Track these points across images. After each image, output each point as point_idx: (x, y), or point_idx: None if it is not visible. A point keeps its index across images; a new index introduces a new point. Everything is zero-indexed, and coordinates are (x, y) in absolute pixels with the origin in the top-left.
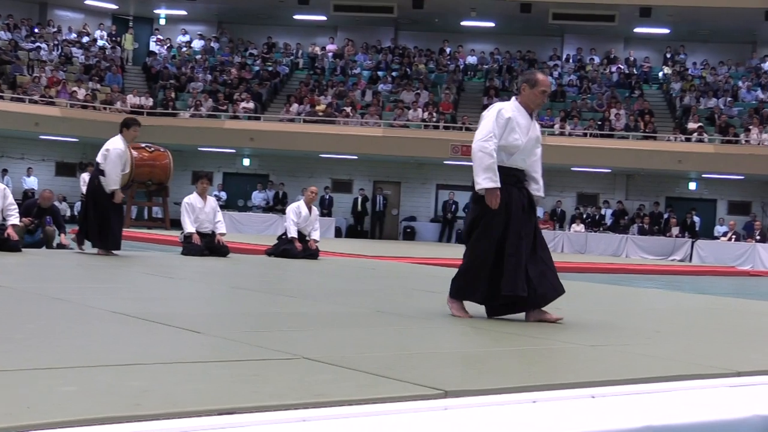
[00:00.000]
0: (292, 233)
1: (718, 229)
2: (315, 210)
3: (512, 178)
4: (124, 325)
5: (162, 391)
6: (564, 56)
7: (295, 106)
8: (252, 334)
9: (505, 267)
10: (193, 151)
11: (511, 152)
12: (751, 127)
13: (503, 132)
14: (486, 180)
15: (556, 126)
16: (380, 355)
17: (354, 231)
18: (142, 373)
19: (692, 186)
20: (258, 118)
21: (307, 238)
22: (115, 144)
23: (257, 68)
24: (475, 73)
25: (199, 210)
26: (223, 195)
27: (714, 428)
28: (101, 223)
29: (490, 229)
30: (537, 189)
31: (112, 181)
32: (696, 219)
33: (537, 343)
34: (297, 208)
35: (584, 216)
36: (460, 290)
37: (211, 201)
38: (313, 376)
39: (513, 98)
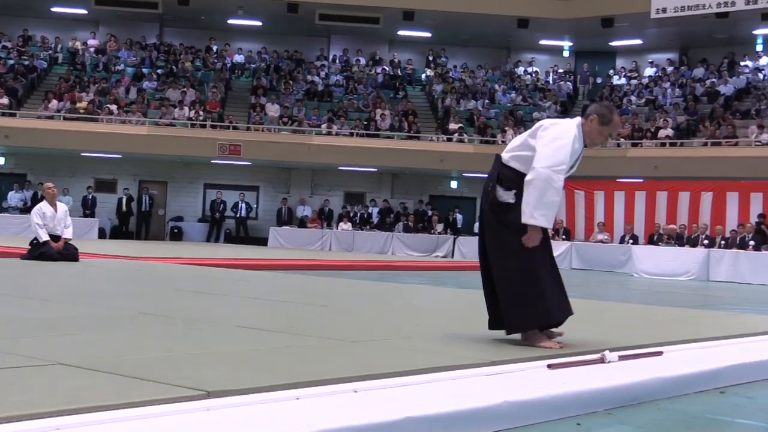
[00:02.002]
0: (43, 237)
1: (478, 226)
2: (62, 206)
3: None
4: None
5: None
6: (331, 56)
7: (54, 103)
8: (2, 341)
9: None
10: None
11: None
12: (506, 128)
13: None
14: (542, 217)
15: (323, 126)
16: (142, 358)
17: (119, 232)
18: None
19: (454, 185)
20: (13, 115)
21: (64, 237)
22: None
23: (12, 62)
24: (242, 72)
25: None
26: None
27: (471, 416)
28: None
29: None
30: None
31: None
32: (458, 216)
33: (301, 341)
34: (39, 210)
35: (351, 214)
36: (531, 318)
37: None
38: (69, 382)
39: (579, 121)
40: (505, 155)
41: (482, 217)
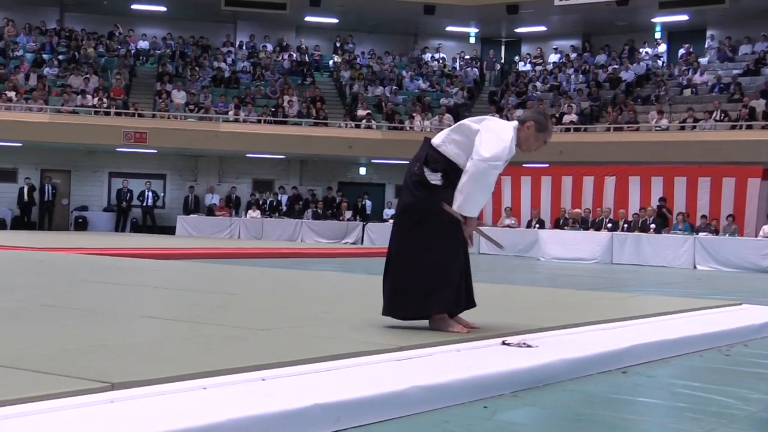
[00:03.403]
0: None
1: (387, 212)
2: None
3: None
4: None
5: None
6: (237, 43)
7: None
8: None
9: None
10: None
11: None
12: (414, 114)
13: None
14: (477, 208)
15: (231, 113)
16: (42, 351)
17: (20, 222)
18: None
19: (362, 171)
20: None
21: None
22: None
23: None
24: (147, 59)
25: None
26: None
27: (380, 401)
28: None
29: (456, 229)
30: None
31: None
32: (367, 203)
33: (207, 330)
34: None
35: (260, 202)
36: (442, 301)
37: None
38: None
39: (515, 125)
40: (436, 140)
41: (403, 199)
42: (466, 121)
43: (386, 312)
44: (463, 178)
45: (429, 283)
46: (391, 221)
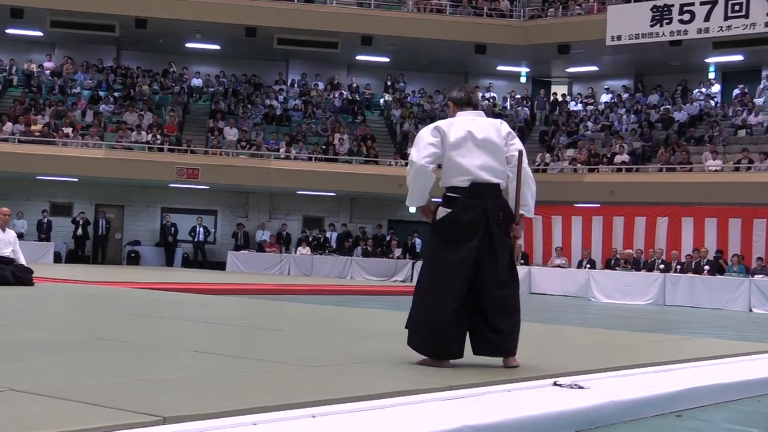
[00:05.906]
0: None
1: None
2: (10, 231)
3: None
4: None
5: None
6: (289, 81)
7: (8, 125)
8: None
9: None
10: None
11: None
12: None
13: None
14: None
15: (282, 150)
16: (95, 383)
17: (75, 256)
18: None
19: (412, 209)
20: None
21: (15, 263)
22: None
23: None
24: (200, 96)
25: None
26: None
27: None
28: None
29: None
30: None
31: None
32: (416, 241)
33: (259, 365)
34: None
35: (310, 239)
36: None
37: None
38: (19, 408)
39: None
40: (502, 183)
41: (492, 243)
42: (500, 140)
43: (512, 352)
44: (529, 184)
45: None
46: None
